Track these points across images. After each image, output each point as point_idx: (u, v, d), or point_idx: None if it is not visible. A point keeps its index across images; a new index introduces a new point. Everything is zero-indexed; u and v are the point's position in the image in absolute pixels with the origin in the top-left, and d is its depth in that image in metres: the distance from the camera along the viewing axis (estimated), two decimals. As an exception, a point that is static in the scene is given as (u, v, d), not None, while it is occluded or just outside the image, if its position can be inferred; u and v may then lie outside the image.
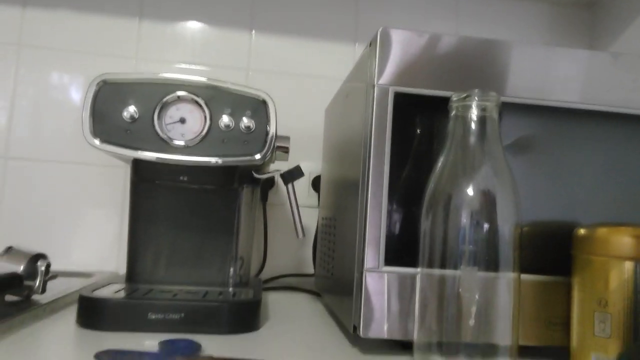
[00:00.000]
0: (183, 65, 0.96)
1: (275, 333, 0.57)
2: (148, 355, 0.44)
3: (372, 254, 0.48)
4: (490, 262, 0.41)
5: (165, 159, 0.58)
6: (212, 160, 0.58)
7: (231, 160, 0.59)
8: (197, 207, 0.68)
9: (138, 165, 0.62)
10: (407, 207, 0.50)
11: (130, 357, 0.43)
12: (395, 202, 0.50)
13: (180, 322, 0.54)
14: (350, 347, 0.52)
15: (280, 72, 0.99)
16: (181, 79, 0.59)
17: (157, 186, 0.66)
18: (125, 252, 0.67)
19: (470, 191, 0.42)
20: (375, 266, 0.48)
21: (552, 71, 0.52)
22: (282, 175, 0.68)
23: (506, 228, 0.42)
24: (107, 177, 0.93)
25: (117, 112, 0.57)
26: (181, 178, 0.61)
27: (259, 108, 0.60)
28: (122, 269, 0.68)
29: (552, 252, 0.51)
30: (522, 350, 0.46)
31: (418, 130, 0.51)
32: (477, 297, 0.41)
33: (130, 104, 0.58)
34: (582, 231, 0.45)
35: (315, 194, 0.96)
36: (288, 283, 0.90)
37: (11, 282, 0.56)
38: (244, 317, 0.57)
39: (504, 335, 0.41)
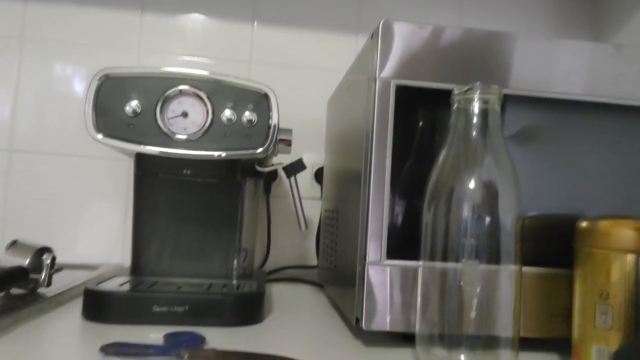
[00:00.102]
0: (185, 58, 0.96)
1: (278, 325, 0.57)
2: (153, 347, 0.44)
3: (374, 247, 0.49)
4: (491, 255, 0.42)
5: (168, 153, 0.58)
6: (215, 154, 0.58)
7: (234, 153, 0.59)
8: (201, 200, 0.68)
9: (141, 159, 0.62)
10: (410, 200, 0.50)
11: (136, 350, 0.44)
12: (398, 195, 0.50)
13: (185, 314, 0.54)
14: (353, 339, 0.53)
15: (282, 64, 0.99)
16: (183, 72, 0.59)
17: (160, 180, 0.67)
18: (130, 244, 0.67)
19: (472, 184, 0.42)
20: (377, 259, 0.49)
21: (556, 63, 0.52)
22: (285, 169, 0.68)
23: (508, 221, 0.42)
24: (112, 170, 0.93)
25: (119, 106, 0.58)
26: (184, 172, 0.62)
27: (260, 101, 0.60)
28: (128, 261, 0.68)
29: (554, 245, 0.51)
30: (524, 341, 0.46)
31: (420, 123, 0.51)
32: (478, 290, 0.41)
33: (132, 98, 0.58)
34: (584, 224, 0.45)
35: (318, 186, 0.96)
36: (291, 275, 0.91)
37: (17, 275, 0.57)
38: (247, 309, 0.57)
39: (505, 327, 0.42)
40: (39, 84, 0.92)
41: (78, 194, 0.92)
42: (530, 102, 0.52)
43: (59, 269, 0.64)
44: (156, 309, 0.54)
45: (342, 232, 0.62)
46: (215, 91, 0.59)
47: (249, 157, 0.60)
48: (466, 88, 0.43)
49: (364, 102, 0.53)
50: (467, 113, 0.44)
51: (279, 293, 0.76)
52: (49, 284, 0.60)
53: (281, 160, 0.71)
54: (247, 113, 0.59)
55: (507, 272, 0.42)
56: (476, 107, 0.43)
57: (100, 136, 0.57)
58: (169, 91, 0.58)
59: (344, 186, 0.62)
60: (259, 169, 0.67)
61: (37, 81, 0.92)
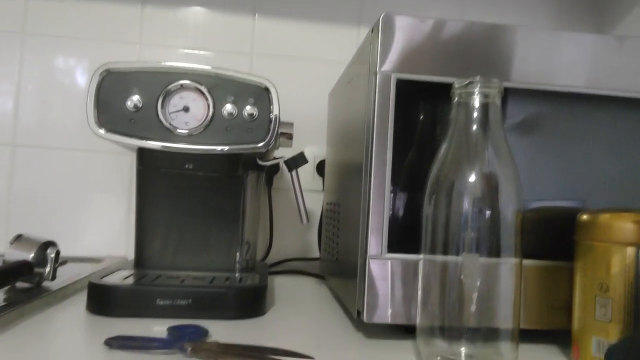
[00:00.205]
0: (186, 51, 0.96)
1: (281, 318, 0.58)
2: (157, 340, 0.45)
3: (375, 241, 0.49)
4: (492, 248, 0.42)
5: (170, 148, 0.58)
6: (217, 148, 0.59)
7: (235, 148, 0.59)
8: (203, 194, 0.68)
9: (143, 154, 0.62)
10: (411, 193, 0.50)
11: (140, 343, 0.45)
12: (399, 188, 0.50)
13: (188, 308, 0.55)
14: (354, 332, 0.53)
15: (283, 56, 0.98)
16: (184, 67, 0.59)
17: (162, 174, 0.67)
18: (134, 236, 0.68)
19: (472, 177, 0.42)
20: (378, 253, 0.49)
21: (557, 55, 0.52)
22: (286, 162, 0.68)
23: (508, 214, 0.42)
24: (114, 163, 0.93)
25: (121, 101, 0.58)
26: (186, 166, 0.62)
27: (261, 95, 0.60)
28: (131, 253, 0.69)
29: (555, 237, 0.51)
30: (525, 333, 0.47)
31: (421, 117, 0.51)
32: (478, 283, 0.41)
33: (134, 93, 0.58)
34: (584, 217, 0.45)
35: (320, 179, 0.97)
36: (294, 267, 0.91)
37: (22, 269, 0.58)
38: (250, 302, 0.58)
39: (505, 319, 0.42)
40: (41, 79, 0.92)
41: (81, 187, 0.93)
42: (532, 95, 0.52)
43: (64, 262, 0.64)
44: (160, 302, 0.55)
45: (343, 225, 0.62)
46: (216, 85, 0.59)
47: (251, 151, 0.60)
48: (467, 82, 0.43)
49: (365, 95, 0.53)
50: (467, 107, 0.44)
51: (282, 285, 0.76)
52: (53, 278, 0.61)
53: (283, 153, 0.71)
54: (248, 107, 0.59)
55: (508, 265, 0.42)
56: (476, 100, 0.43)
57: (102, 131, 0.57)
58: (170, 86, 0.58)
59: (345, 179, 0.63)
60: (260, 163, 0.67)
61: (39, 75, 0.92)
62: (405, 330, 0.53)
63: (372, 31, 0.52)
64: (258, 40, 0.98)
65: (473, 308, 0.41)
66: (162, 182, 0.68)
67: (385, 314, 0.49)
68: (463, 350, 0.42)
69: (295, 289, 0.75)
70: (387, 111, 0.49)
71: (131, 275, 0.62)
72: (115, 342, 0.44)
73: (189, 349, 0.42)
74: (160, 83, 0.58)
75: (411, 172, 0.50)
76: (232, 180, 0.69)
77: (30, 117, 0.92)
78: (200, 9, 0.97)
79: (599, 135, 0.52)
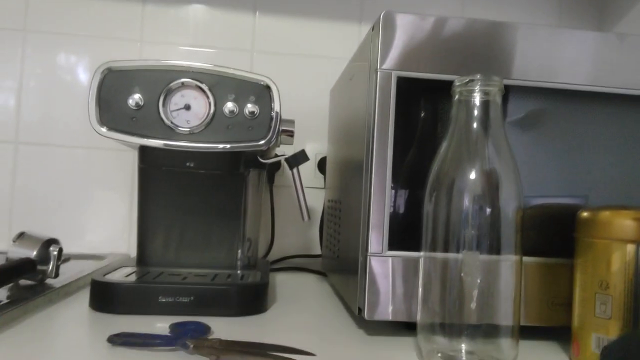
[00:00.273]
0: (187, 48, 0.96)
1: (282, 315, 0.58)
2: (159, 337, 0.45)
3: (376, 238, 0.49)
4: (492, 245, 0.42)
5: (172, 146, 0.58)
6: (218, 146, 0.59)
7: (236, 146, 0.59)
8: (204, 192, 0.69)
9: (145, 152, 0.63)
10: (411, 191, 0.50)
11: (142, 340, 0.45)
12: (399, 186, 0.50)
13: (190, 305, 0.55)
14: (356, 329, 0.54)
15: (284, 53, 0.98)
16: (185, 65, 0.59)
17: (164, 172, 0.67)
18: (136, 233, 0.68)
19: (473, 175, 0.42)
20: (379, 251, 0.49)
21: (558, 53, 0.52)
22: (287, 160, 0.69)
23: (508, 212, 0.42)
24: (117, 160, 0.94)
25: (122, 99, 0.58)
26: (187, 164, 0.62)
27: (262, 93, 0.60)
28: (134, 250, 0.69)
29: (555, 235, 0.51)
30: (526, 330, 0.47)
31: (422, 114, 0.51)
32: (478, 280, 0.41)
33: (135, 92, 0.58)
34: (584, 214, 0.45)
35: (321, 176, 0.97)
36: (295, 264, 0.92)
37: (25, 267, 0.58)
38: (252, 299, 0.58)
39: (505, 316, 0.42)
40: (43, 76, 0.92)
41: (84, 184, 0.93)
42: (533, 92, 0.52)
43: (66, 259, 0.65)
44: (162, 299, 0.55)
45: (344, 222, 0.62)
46: (217, 83, 0.59)
47: (252, 149, 0.60)
48: (467, 80, 0.43)
49: (366, 93, 0.53)
50: (468, 104, 0.44)
51: (283, 282, 0.77)
52: (56, 275, 0.61)
53: (284, 150, 0.71)
54: (249, 105, 0.59)
55: (508, 263, 0.42)
56: (477, 98, 0.43)
57: (104, 130, 0.58)
58: (172, 84, 0.59)
59: (347, 177, 0.63)
60: (261, 160, 0.67)
61: (41, 73, 0.92)
62: (406, 327, 0.53)
63: (372, 29, 0.52)
64: (259, 38, 0.98)
65: (473, 305, 0.42)
66: (164, 180, 0.68)
67: (386, 311, 0.49)
68: (463, 346, 0.42)
69: (296, 286, 0.75)
70: (388, 109, 0.49)
71: (133, 272, 0.62)
72: (118, 339, 0.45)
73: (191, 345, 0.43)
74: (161, 81, 0.59)
75: (412, 170, 0.50)
76: (234, 177, 0.69)
77: (33, 115, 0.92)
78: (201, 7, 0.97)
79: (599, 132, 0.53)
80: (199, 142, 0.58)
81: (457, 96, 0.45)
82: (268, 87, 0.60)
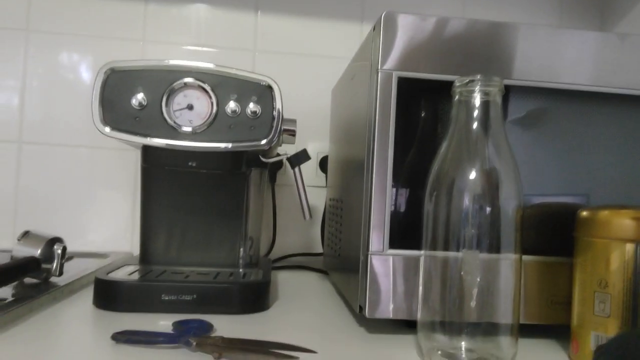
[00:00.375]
0: (190, 48, 0.96)
1: (284, 313, 0.58)
2: (162, 335, 0.46)
3: (377, 237, 0.50)
4: (492, 244, 0.42)
5: (174, 145, 0.59)
6: (220, 145, 0.59)
7: (238, 145, 0.60)
8: (207, 191, 0.69)
9: (147, 152, 0.63)
10: (412, 190, 0.51)
11: (146, 338, 0.45)
12: (400, 185, 0.51)
13: (193, 303, 0.56)
14: (357, 327, 0.54)
15: (286, 52, 0.99)
16: (188, 65, 0.60)
17: (166, 171, 0.68)
18: (139, 232, 0.69)
19: (473, 175, 0.43)
20: (380, 249, 0.50)
21: (559, 53, 0.52)
22: (289, 159, 0.69)
23: (508, 211, 0.43)
24: (120, 159, 0.94)
25: (125, 99, 0.58)
26: (190, 163, 0.63)
27: (264, 93, 0.61)
28: (137, 248, 0.70)
29: (555, 234, 0.52)
30: (524, 328, 0.47)
31: (422, 114, 0.52)
32: (478, 279, 0.42)
33: (138, 91, 0.58)
34: (584, 213, 0.46)
35: (323, 174, 0.97)
36: (297, 262, 0.92)
37: (30, 265, 0.59)
38: (254, 297, 0.59)
39: (505, 314, 0.42)
40: (45, 76, 0.93)
41: (87, 183, 0.93)
42: (534, 92, 0.52)
43: (70, 258, 0.65)
44: (165, 297, 0.55)
45: (346, 221, 0.63)
46: (220, 83, 0.60)
47: (254, 148, 0.61)
48: (467, 80, 0.44)
49: (367, 92, 0.53)
50: (468, 105, 0.44)
51: (285, 280, 0.77)
52: (60, 273, 0.62)
53: (286, 149, 0.72)
54: (251, 105, 0.60)
55: (508, 261, 0.43)
56: (477, 99, 0.44)
57: (107, 129, 0.58)
58: (174, 84, 0.59)
59: (348, 176, 0.63)
60: (263, 160, 0.68)
61: (43, 72, 0.93)
62: (407, 325, 0.53)
63: (373, 29, 0.53)
64: (261, 37, 0.98)
65: (473, 303, 0.42)
66: (167, 180, 0.68)
67: (387, 309, 0.50)
68: (463, 344, 0.42)
69: (298, 284, 0.76)
70: (389, 109, 0.50)
71: (136, 270, 0.63)
72: (122, 337, 0.45)
73: (194, 343, 0.43)
74: (164, 81, 0.59)
75: (412, 169, 0.51)
76: (236, 177, 0.69)
77: (36, 114, 0.93)
78: (203, 6, 0.97)
79: (599, 132, 0.53)
80: (202, 141, 0.59)
81: (457, 96, 0.45)
82: (270, 87, 0.61)
